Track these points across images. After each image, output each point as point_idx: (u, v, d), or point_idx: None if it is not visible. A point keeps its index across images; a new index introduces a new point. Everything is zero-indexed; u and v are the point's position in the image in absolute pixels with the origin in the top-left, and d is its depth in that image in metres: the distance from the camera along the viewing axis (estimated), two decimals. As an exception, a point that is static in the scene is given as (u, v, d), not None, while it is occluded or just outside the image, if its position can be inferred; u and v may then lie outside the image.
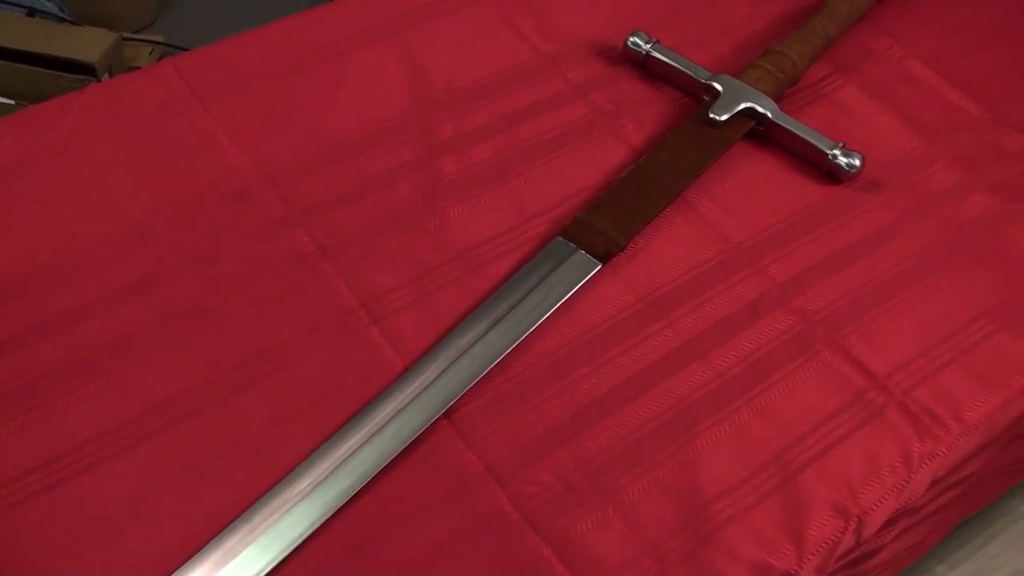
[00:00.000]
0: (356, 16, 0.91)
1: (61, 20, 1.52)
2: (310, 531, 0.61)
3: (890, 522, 0.69)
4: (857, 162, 0.82)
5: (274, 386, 0.68)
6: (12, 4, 1.49)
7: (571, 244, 0.76)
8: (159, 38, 1.69)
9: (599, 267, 0.75)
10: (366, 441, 0.65)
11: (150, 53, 1.64)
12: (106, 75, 1.45)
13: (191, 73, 0.86)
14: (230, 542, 0.60)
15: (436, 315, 0.73)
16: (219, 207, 0.77)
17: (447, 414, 0.67)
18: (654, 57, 0.89)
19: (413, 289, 0.74)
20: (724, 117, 0.84)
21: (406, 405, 0.67)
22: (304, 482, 0.63)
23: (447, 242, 0.77)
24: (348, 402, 0.68)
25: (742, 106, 0.84)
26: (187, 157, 0.80)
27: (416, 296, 0.73)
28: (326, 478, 0.63)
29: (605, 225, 0.77)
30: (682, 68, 0.88)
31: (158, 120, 0.82)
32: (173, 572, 0.59)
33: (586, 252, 0.75)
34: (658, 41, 0.89)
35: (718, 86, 0.86)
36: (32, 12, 1.49)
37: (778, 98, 0.87)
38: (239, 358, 0.69)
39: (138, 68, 1.26)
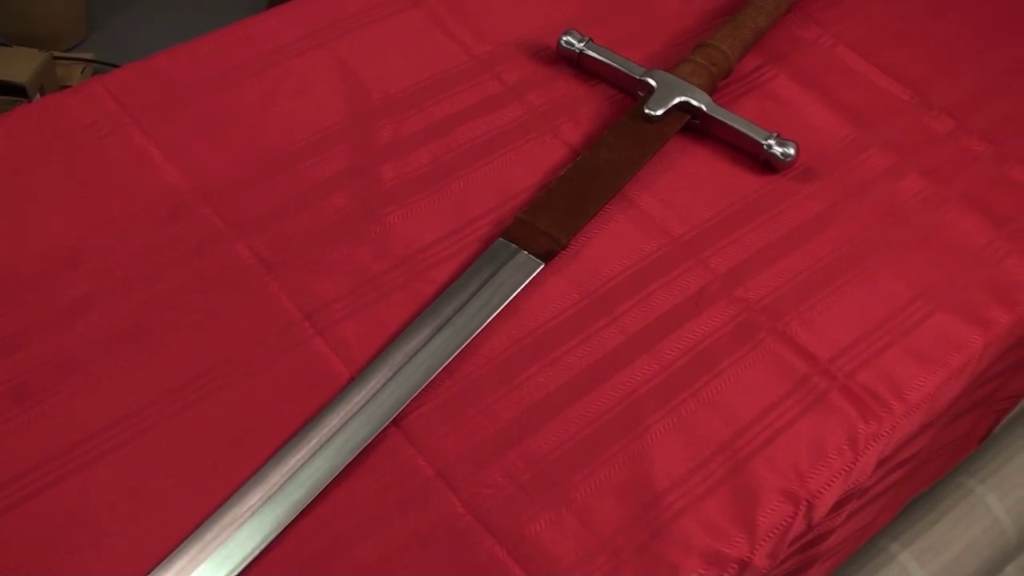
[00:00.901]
0: (287, 27, 0.91)
1: (-11, 41, 1.50)
2: (263, 546, 0.61)
3: (839, 504, 0.70)
4: (792, 151, 0.83)
5: (220, 403, 0.67)
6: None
7: (513, 245, 0.76)
8: (90, 56, 1.67)
9: (542, 266, 0.75)
10: (315, 452, 0.65)
11: (82, 72, 1.62)
12: (38, 95, 1.43)
13: (121, 90, 0.85)
14: (181, 562, 0.60)
15: (381, 323, 0.72)
16: (156, 225, 0.76)
17: (396, 421, 0.67)
18: (588, 55, 0.89)
19: (356, 297, 0.74)
20: (659, 112, 0.84)
21: (354, 414, 0.66)
22: (254, 497, 0.62)
23: (389, 249, 0.77)
24: (296, 414, 0.67)
25: (676, 100, 0.85)
26: (121, 176, 0.79)
27: (360, 305, 0.73)
28: (276, 492, 0.63)
29: (546, 224, 0.78)
30: (616, 65, 0.89)
31: (89, 139, 0.81)
32: (124, 596, 0.59)
33: (528, 252, 0.76)
34: (591, 39, 0.90)
35: (652, 82, 0.86)
36: (-41, 35, 1.47)
37: (712, 91, 0.88)
38: (183, 377, 0.68)
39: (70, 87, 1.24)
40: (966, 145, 0.88)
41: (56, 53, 1.63)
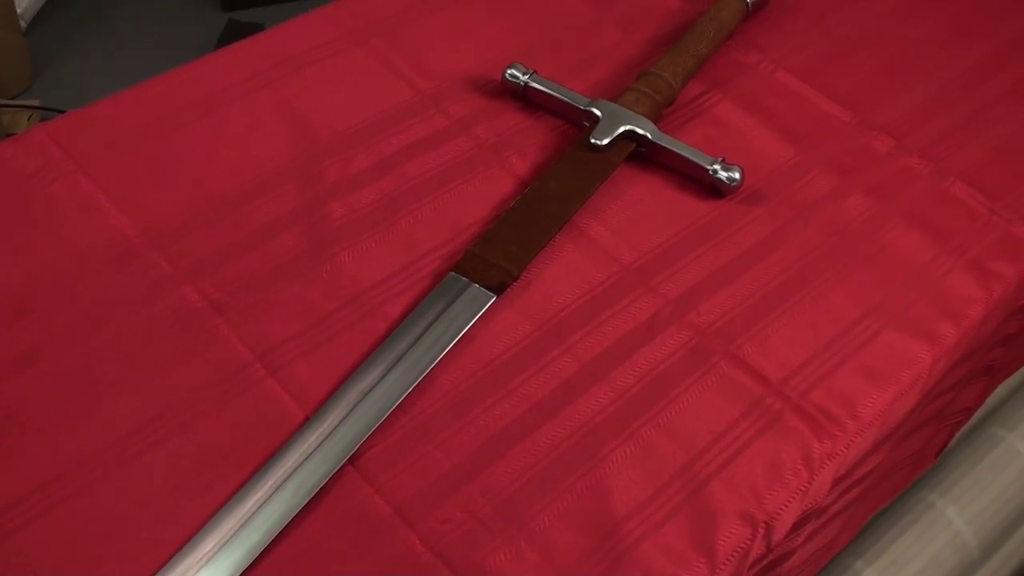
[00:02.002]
0: (231, 69, 0.91)
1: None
2: (219, 593, 0.60)
3: (798, 525, 0.70)
4: (737, 175, 0.84)
5: (172, 450, 0.67)
6: None
7: (464, 279, 0.76)
8: (37, 103, 1.66)
9: (494, 299, 0.75)
10: (270, 496, 0.64)
11: (29, 119, 1.61)
12: (-18, 145, 1.41)
13: (66, 137, 0.84)
14: (136, 613, 0.59)
15: (334, 361, 0.72)
16: (102, 271, 0.75)
17: (352, 460, 0.67)
18: (532, 87, 0.90)
19: (309, 337, 0.73)
20: (605, 141, 0.85)
21: (309, 455, 0.66)
22: (209, 544, 0.62)
23: (340, 287, 0.76)
24: (250, 458, 0.67)
25: (622, 129, 0.86)
26: (67, 223, 0.78)
27: (312, 344, 0.73)
28: (231, 537, 0.62)
29: (497, 257, 0.78)
30: (561, 96, 0.89)
31: (33, 188, 0.80)
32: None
33: (480, 285, 0.76)
34: (535, 71, 0.91)
35: (597, 111, 0.87)
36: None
37: (656, 119, 0.89)
38: (132, 424, 0.67)
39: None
40: (906, 163, 0.89)
41: (1, 101, 1.62)
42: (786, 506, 0.68)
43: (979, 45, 1.02)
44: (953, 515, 1.13)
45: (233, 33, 1.82)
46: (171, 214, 0.80)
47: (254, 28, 1.83)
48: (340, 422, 0.68)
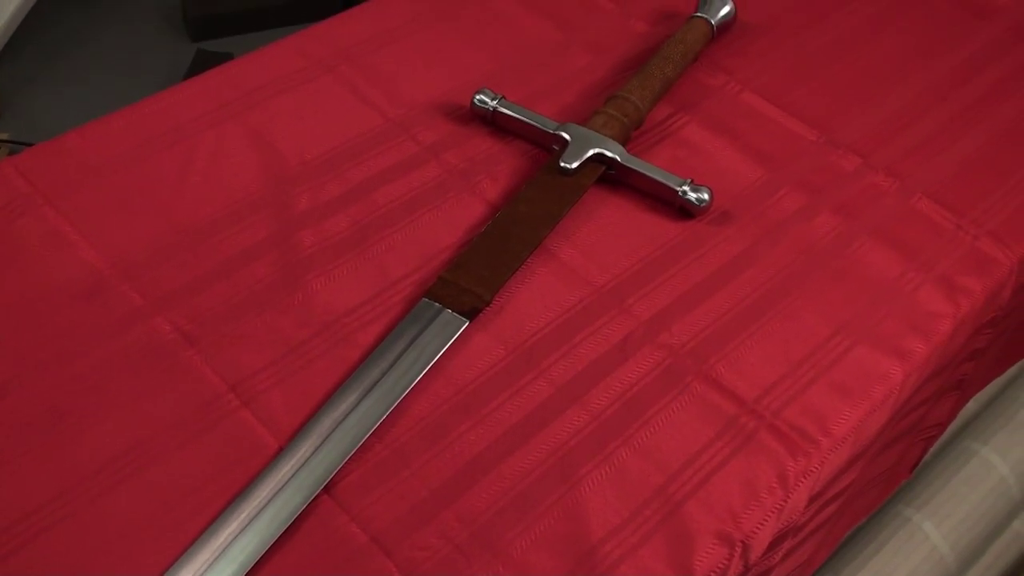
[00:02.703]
0: (198, 100, 0.91)
1: None
2: (195, 628, 0.59)
3: (775, 543, 0.70)
4: (706, 196, 0.85)
5: (145, 483, 0.66)
6: None
7: (437, 304, 0.76)
8: (6, 136, 1.65)
9: (467, 324, 0.75)
10: (246, 526, 0.64)
11: (-4, 153, 1.60)
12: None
13: (32, 170, 0.84)
14: (110, 650, 0.58)
15: (308, 390, 0.72)
16: (72, 305, 0.75)
17: (327, 488, 0.66)
18: (501, 112, 0.91)
19: (282, 366, 0.73)
20: (575, 165, 0.85)
21: (284, 484, 0.66)
22: (184, 577, 0.61)
23: (312, 315, 0.76)
24: (225, 489, 0.66)
25: (591, 152, 0.86)
26: (35, 257, 0.78)
27: (285, 373, 0.73)
28: (207, 570, 0.61)
29: (469, 282, 0.78)
30: (529, 121, 0.90)
31: (2, 222, 0.80)
32: None
33: (452, 311, 0.76)
34: (504, 97, 0.91)
35: (566, 135, 0.87)
36: None
37: (625, 141, 0.89)
38: (104, 459, 0.67)
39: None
40: (873, 181, 0.90)
41: (-32, 136, 1.61)
42: (762, 525, 0.68)
43: (939, 63, 1.03)
44: (930, 530, 1.13)
45: (202, 63, 1.82)
46: (141, 245, 0.79)
47: (223, 58, 1.83)
48: (314, 451, 0.67)
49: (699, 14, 1.01)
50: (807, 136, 0.94)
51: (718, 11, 1.01)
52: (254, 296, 0.77)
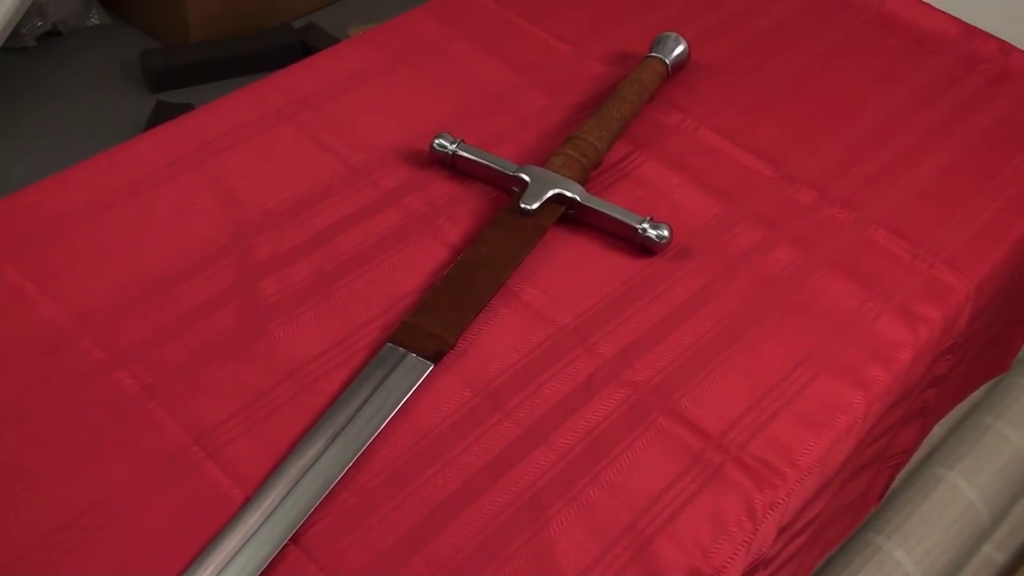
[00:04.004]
0: (156, 152, 0.91)
1: None
2: None
3: (746, 576, 0.70)
4: (666, 233, 0.85)
5: (109, 539, 0.65)
6: None
7: (401, 349, 0.76)
8: (-38, 193, 1.63)
9: (431, 368, 0.75)
10: (213, 580, 0.63)
11: (-46, 210, 1.58)
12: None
13: (-10, 227, 0.83)
14: None
15: (273, 439, 0.71)
16: (32, 361, 0.74)
17: (294, 538, 0.66)
18: (461, 156, 0.91)
19: (246, 416, 0.72)
20: (535, 206, 0.86)
21: (251, 536, 0.65)
22: (150, 634, 0.60)
23: (276, 364, 0.76)
24: (191, 542, 0.65)
25: (551, 193, 0.87)
26: (-6, 314, 0.77)
27: (250, 423, 0.72)
28: (173, 626, 0.61)
29: (433, 325, 0.78)
30: (489, 163, 0.91)
31: (-41, 280, 0.79)
32: None
33: (417, 355, 0.76)
34: (463, 140, 0.92)
35: (526, 177, 0.88)
36: None
37: (584, 181, 0.90)
38: (67, 517, 0.66)
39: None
40: (829, 214, 0.92)
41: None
42: (732, 559, 0.68)
43: (890, 97, 1.05)
44: (901, 557, 1.14)
45: (162, 115, 1.81)
46: (101, 300, 0.79)
47: (183, 109, 1.83)
48: (281, 500, 0.67)
49: (653, 54, 1.02)
50: (763, 171, 0.95)
51: (672, 51, 1.03)
52: (217, 346, 0.77)
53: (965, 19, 1.16)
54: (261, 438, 0.71)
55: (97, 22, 2.08)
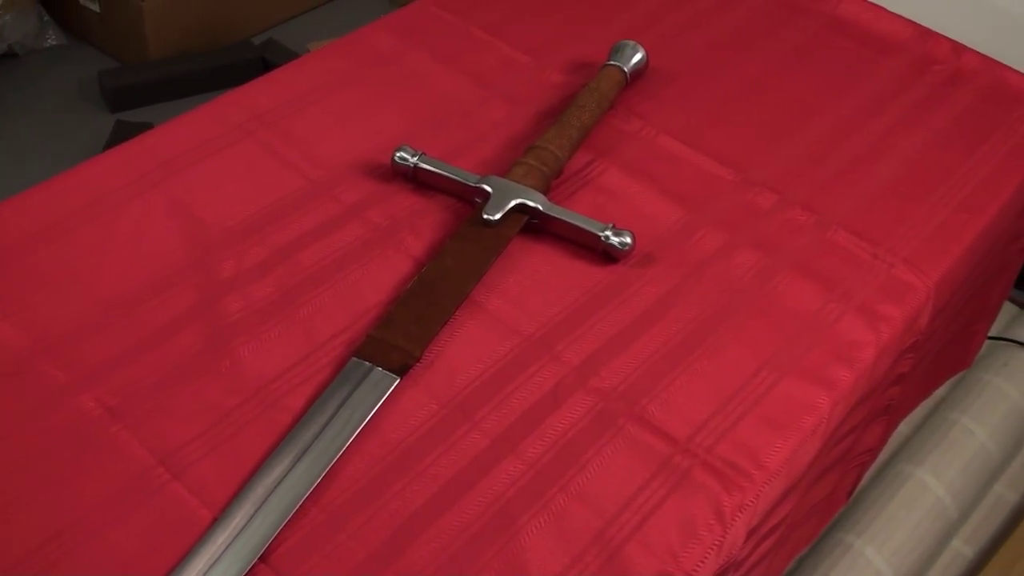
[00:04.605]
0: (115, 172, 0.90)
1: None
2: None
3: (716, 580, 0.71)
4: (628, 240, 0.86)
5: (76, 565, 0.64)
6: None
7: (367, 363, 0.76)
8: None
9: (398, 381, 0.75)
10: (182, 602, 0.62)
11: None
12: None
13: (-53, 252, 0.82)
14: None
15: (239, 458, 0.71)
16: (-7, 386, 0.73)
17: (263, 557, 0.65)
18: (422, 168, 0.91)
19: (212, 436, 0.72)
20: (497, 216, 0.86)
21: (219, 556, 0.64)
22: (119, 659, 0.60)
23: (241, 382, 0.75)
24: (159, 565, 0.65)
25: (513, 203, 0.87)
26: (-47, 340, 0.76)
27: (216, 442, 0.72)
28: (142, 650, 0.60)
29: (398, 339, 0.78)
30: (450, 175, 0.91)
31: (-84, 306, 0.78)
32: None
33: (383, 368, 0.76)
34: (424, 152, 0.92)
35: (487, 187, 0.88)
36: None
37: (546, 190, 0.90)
38: (36, 542, 0.65)
39: None
40: (790, 216, 0.92)
41: None
42: (703, 562, 0.68)
43: (846, 99, 1.07)
44: (872, 555, 1.15)
45: (121, 134, 1.80)
46: (62, 322, 0.78)
47: (142, 128, 1.82)
48: (249, 519, 0.66)
49: (612, 62, 1.03)
50: (723, 176, 0.96)
51: (630, 59, 1.03)
52: (180, 366, 0.76)
53: (918, 21, 1.18)
54: (227, 458, 0.71)
55: (54, 43, 2.06)
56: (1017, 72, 1.12)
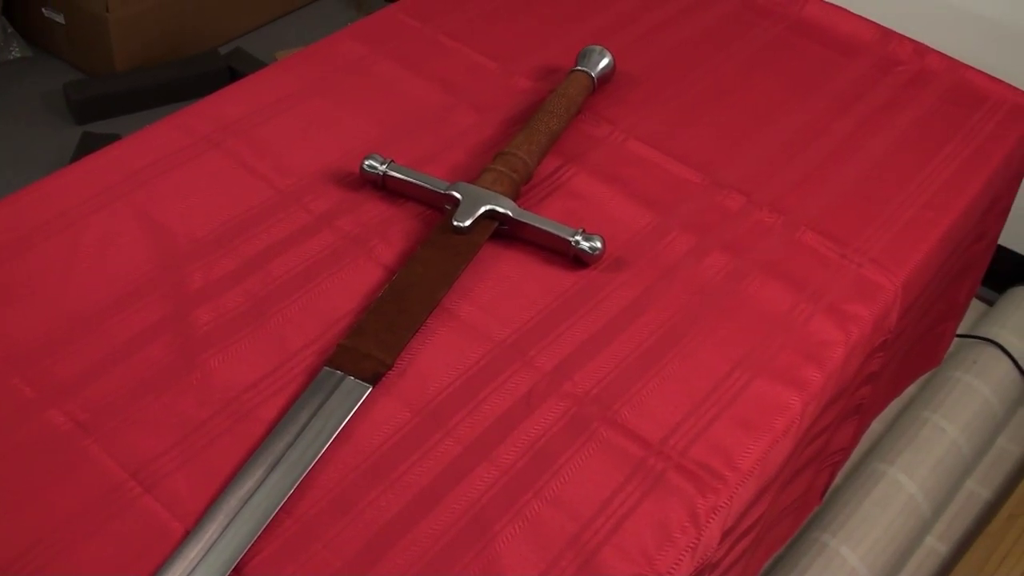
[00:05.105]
0: (83, 183, 0.89)
1: None
2: None
3: (692, 582, 0.71)
4: (599, 244, 0.86)
5: (48, 580, 0.64)
6: None
7: (339, 372, 0.76)
8: None
9: (370, 389, 0.75)
10: (155, 617, 0.62)
11: None
12: None
13: (-89, 268, 0.81)
14: None
15: (212, 471, 0.70)
16: (-40, 403, 0.73)
17: (237, 569, 0.65)
18: (392, 176, 0.91)
19: (183, 448, 0.71)
20: (467, 223, 0.86)
21: (192, 570, 0.64)
22: (92, 676, 0.59)
23: (212, 394, 0.75)
24: (132, 580, 0.64)
25: (483, 209, 0.87)
26: (-82, 356, 0.75)
27: (187, 455, 0.71)
28: (116, 666, 0.59)
29: (369, 347, 0.78)
30: (420, 182, 0.90)
31: None
32: None
33: (355, 377, 0.75)
34: (393, 160, 0.92)
35: (457, 194, 0.88)
36: None
37: (516, 196, 0.90)
38: (8, 557, 0.64)
39: None
40: (758, 218, 0.93)
41: None
42: (678, 565, 0.69)
43: (811, 102, 1.08)
44: (847, 553, 1.16)
45: (88, 146, 1.79)
46: (29, 336, 0.77)
47: (109, 139, 1.80)
48: (222, 531, 0.66)
49: (579, 68, 1.03)
50: (692, 179, 0.97)
51: (597, 64, 1.04)
52: (151, 379, 0.75)
53: (881, 22, 1.19)
54: (199, 470, 0.70)
55: (18, 55, 2.05)
56: (979, 72, 1.14)
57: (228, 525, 0.66)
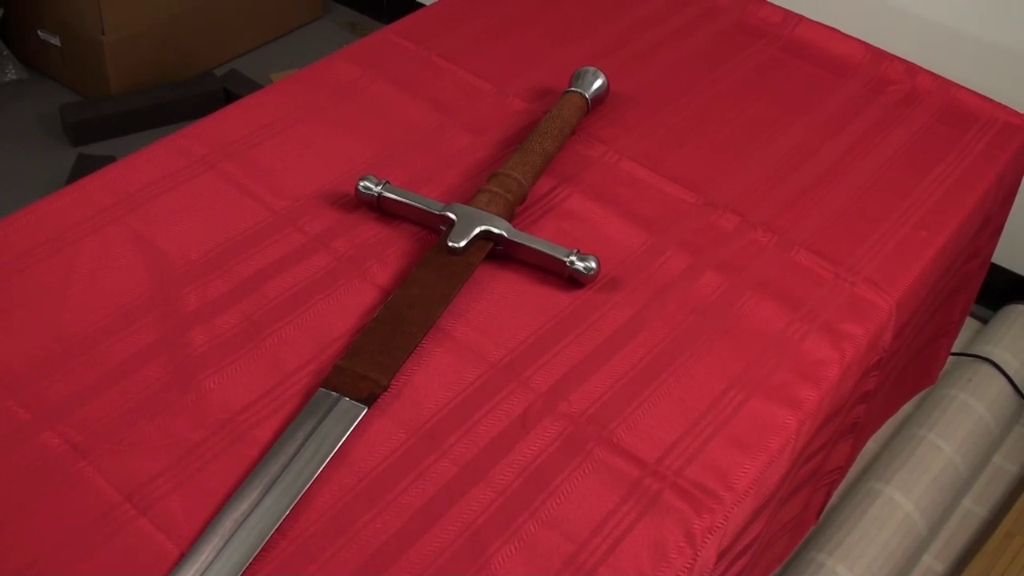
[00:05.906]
0: (79, 205, 0.90)
1: None
2: None
3: (688, 602, 0.71)
4: (593, 264, 0.86)
5: (40, 604, 0.64)
6: None
7: (334, 393, 0.76)
8: None
9: (365, 411, 0.75)
10: (150, 640, 0.62)
11: None
12: None
13: (-94, 291, 0.81)
14: None
15: (207, 492, 0.70)
16: (-46, 425, 0.72)
17: (233, 592, 0.65)
18: (387, 197, 0.91)
19: (178, 470, 0.71)
20: (463, 243, 0.86)
21: (188, 593, 0.64)
22: None
23: (207, 415, 0.75)
24: (126, 603, 0.64)
25: (478, 230, 0.87)
26: (-88, 379, 0.75)
27: (183, 477, 0.71)
28: None
29: (365, 368, 0.78)
30: (415, 203, 0.91)
31: None
32: None
33: (350, 398, 0.75)
34: (388, 181, 0.92)
35: (452, 215, 0.89)
36: None
37: (510, 217, 0.91)
38: (-3, 582, 0.64)
39: None
40: (753, 238, 0.93)
41: None
42: (674, 585, 0.68)
43: (804, 121, 1.08)
44: (843, 573, 1.15)
45: (84, 168, 1.79)
46: (24, 359, 0.77)
47: (105, 161, 1.81)
48: (217, 554, 0.66)
49: (573, 89, 1.04)
50: (686, 199, 0.97)
51: (591, 85, 1.04)
52: (146, 401, 0.75)
53: (872, 43, 1.20)
54: (194, 492, 0.70)
55: (14, 77, 2.05)
56: (970, 91, 1.15)
57: (223, 547, 0.66)
